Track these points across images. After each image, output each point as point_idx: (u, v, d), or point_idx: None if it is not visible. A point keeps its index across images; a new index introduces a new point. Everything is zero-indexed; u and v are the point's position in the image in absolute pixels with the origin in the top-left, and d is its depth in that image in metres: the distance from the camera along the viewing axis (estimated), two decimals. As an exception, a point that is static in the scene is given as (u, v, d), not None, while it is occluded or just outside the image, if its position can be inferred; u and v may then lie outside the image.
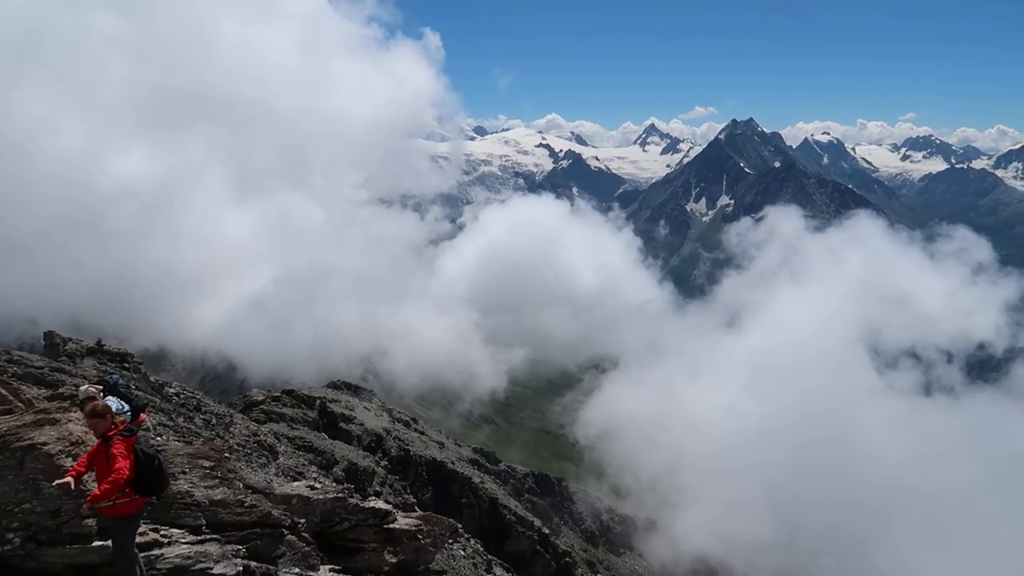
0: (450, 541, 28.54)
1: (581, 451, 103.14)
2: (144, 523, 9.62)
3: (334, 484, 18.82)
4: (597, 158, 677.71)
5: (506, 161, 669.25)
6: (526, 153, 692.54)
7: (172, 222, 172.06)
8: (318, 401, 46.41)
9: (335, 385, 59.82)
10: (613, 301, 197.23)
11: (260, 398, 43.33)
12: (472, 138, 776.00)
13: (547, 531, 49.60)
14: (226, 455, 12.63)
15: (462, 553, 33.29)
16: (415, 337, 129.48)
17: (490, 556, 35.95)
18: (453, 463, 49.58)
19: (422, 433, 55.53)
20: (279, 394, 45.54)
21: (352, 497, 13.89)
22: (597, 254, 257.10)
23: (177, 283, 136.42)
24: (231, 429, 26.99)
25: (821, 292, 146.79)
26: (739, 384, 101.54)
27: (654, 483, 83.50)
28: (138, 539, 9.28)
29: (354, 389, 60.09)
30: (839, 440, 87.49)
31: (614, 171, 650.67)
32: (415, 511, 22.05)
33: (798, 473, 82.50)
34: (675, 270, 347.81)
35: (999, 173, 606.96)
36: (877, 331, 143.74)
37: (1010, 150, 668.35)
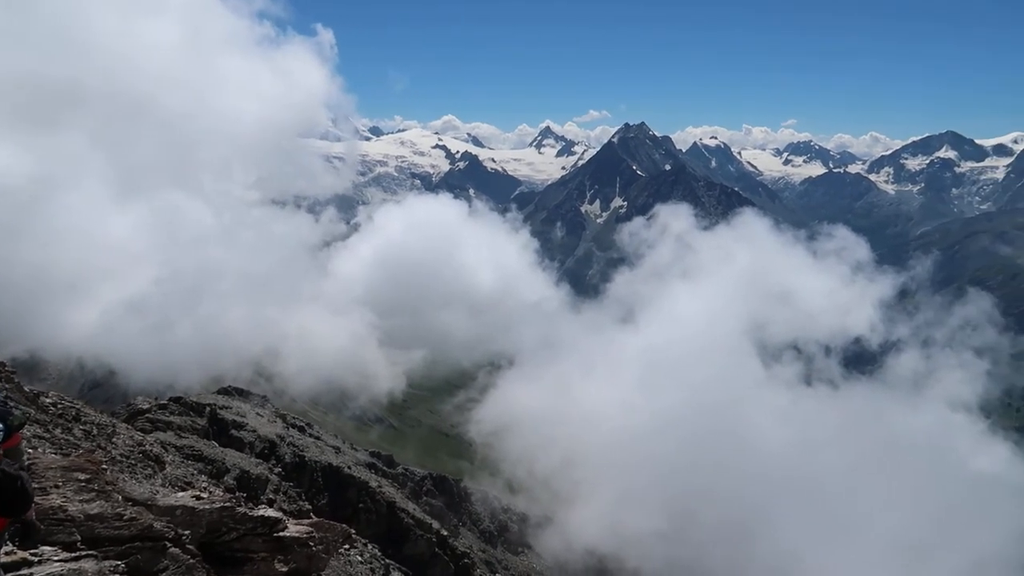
0: (345, 547, 28.10)
1: (476, 449, 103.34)
2: (10, 542, 9.06)
3: (222, 493, 18.22)
4: (494, 160, 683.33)
5: (402, 162, 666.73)
6: (422, 154, 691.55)
7: (45, 221, 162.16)
8: (208, 408, 44.79)
9: (226, 391, 57.83)
10: (510, 301, 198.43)
11: (146, 406, 41.44)
12: (367, 138, 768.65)
13: (445, 533, 49.48)
14: (104, 467, 12.04)
15: (359, 559, 32.85)
16: (309, 339, 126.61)
17: (388, 561, 35.62)
18: (349, 468, 48.78)
19: (317, 438, 54.37)
20: (166, 402, 43.70)
21: (240, 506, 13.48)
22: (495, 255, 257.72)
23: (50, 286, 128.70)
24: (114, 440, 25.67)
25: (711, 288, 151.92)
26: (633, 379, 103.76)
27: (549, 479, 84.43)
28: (4, 559, 8.73)
29: (246, 395, 58.29)
30: (729, 431, 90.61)
31: (510, 173, 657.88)
32: (310, 518, 21.59)
33: (690, 465, 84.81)
34: (571, 271, 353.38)
35: (872, 177, 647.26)
36: (763, 325, 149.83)
37: (882, 156, 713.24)
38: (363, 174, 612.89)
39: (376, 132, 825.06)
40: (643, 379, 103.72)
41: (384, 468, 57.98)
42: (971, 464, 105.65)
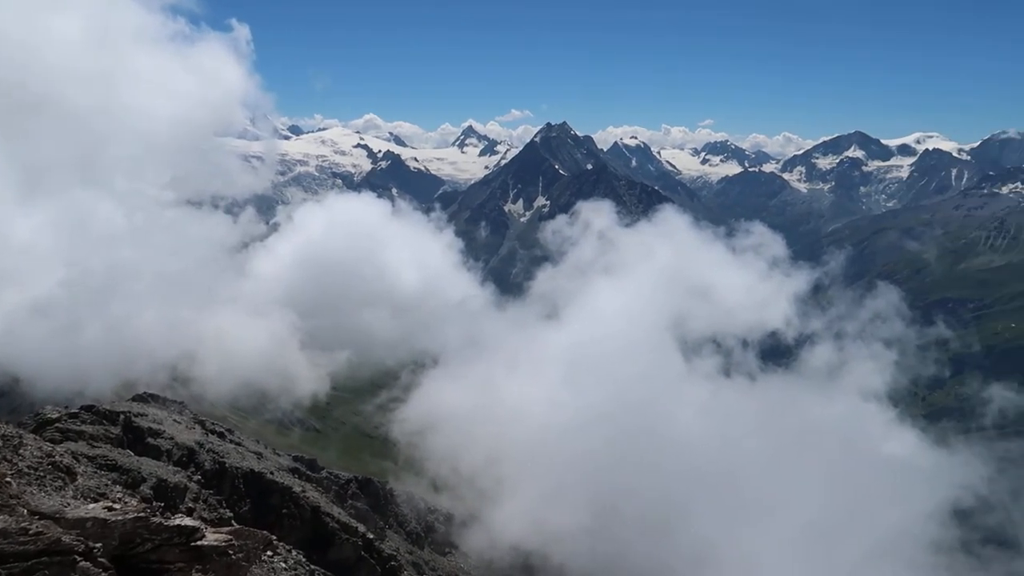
0: (268, 554, 27.57)
1: (400, 449, 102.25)
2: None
3: (137, 503, 17.62)
4: (416, 159, 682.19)
5: (323, 161, 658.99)
6: (344, 153, 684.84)
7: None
8: (122, 416, 43.35)
9: (141, 398, 56.09)
10: (435, 300, 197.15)
11: (55, 415, 39.87)
12: (287, 137, 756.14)
13: (372, 536, 49.01)
14: (8, 480, 11.51)
15: (283, 565, 32.36)
16: (227, 342, 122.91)
17: (313, 566, 35.15)
18: (272, 473, 47.86)
19: (238, 444, 53.20)
20: (77, 411, 42.10)
21: (155, 516, 13.05)
22: (419, 254, 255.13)
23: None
24: (20, 451, 24.56)
25: (633, 284, 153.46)
26: (558, 375, 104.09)
27: (474, 477, 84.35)
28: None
29: (162, 401, 56.60)
30: (652, 425, 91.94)
31: (433, 172, 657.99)
32: (231, 526, 21.09)
33: (614, 459, 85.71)
34: (495, 270, 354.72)
35: (786, 176, 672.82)
36: (683, 320, 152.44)
37: (794, 155, 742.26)
38: (283, 174, 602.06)
39: (296, 131, 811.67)
40: (568, 376, 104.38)
41: (307, 472, 57.03)
42: (881, 449, 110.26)
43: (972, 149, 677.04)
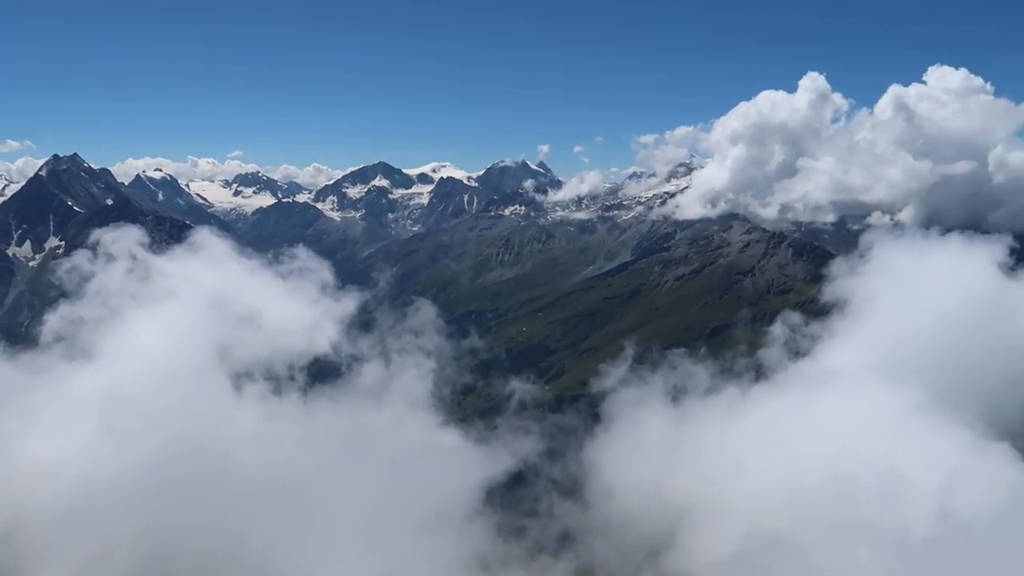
0: None
1: None
2: None
3: None
4: None
5: None
6: None
7: None
8: None
9: None
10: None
11: None
12: None
13: None
14: None
15: None
16: None
17: None
18: None
19: None
20: None
21: None
22: None
23: None
24: None
25: (172, 315, 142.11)
26: (94, 423, 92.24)
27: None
28: None
29: None
30: (205, 460, 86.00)
31: None
32: None
33: (168, 505, 78.76)
34: (2, 323, 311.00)
35: (319, 206, 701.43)
36: (231, 349, 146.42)
37: (326, 185, 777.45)
38: None
39: None
40: (105, 421, 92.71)
41: None
42: (428, 447, 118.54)
43: (479, 176, 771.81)
